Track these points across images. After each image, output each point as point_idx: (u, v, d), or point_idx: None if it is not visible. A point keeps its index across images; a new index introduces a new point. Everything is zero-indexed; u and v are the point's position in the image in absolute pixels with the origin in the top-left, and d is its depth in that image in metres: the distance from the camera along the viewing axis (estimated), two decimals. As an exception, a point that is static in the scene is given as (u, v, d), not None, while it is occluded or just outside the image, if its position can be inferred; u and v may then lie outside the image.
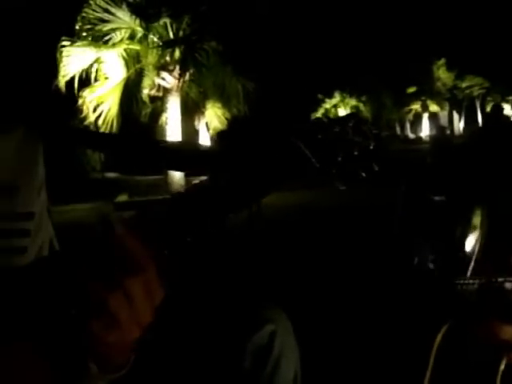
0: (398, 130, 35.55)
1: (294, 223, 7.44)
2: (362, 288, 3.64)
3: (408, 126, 37.53)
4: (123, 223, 0.62)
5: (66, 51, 12.53)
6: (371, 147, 0.72)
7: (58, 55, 12.60)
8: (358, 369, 2.46)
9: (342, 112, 30.66)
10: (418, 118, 36.20)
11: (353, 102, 30.99)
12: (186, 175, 14.38)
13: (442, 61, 32.26)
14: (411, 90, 33.41)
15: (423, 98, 34.26)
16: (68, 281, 0.59)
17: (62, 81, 12.60)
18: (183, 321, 1.11)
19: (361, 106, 30.99)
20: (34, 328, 0.63)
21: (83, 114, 13.00)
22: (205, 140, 18.30)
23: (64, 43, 12.60)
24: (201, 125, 18.56)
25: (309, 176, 0.70)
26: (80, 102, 12.98)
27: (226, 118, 17.95)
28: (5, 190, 0.82)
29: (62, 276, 0.59)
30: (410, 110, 35.23)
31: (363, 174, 0.73)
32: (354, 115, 0.74)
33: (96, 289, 0.57)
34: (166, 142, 13.01)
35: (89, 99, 12.91)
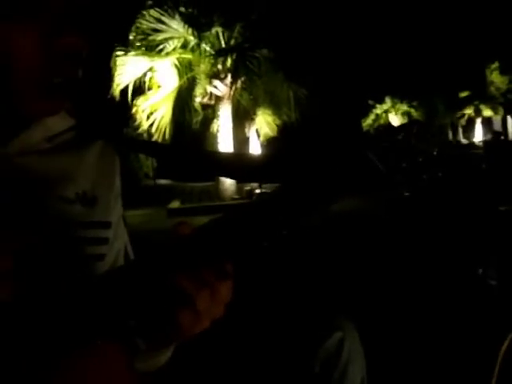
0: (450, 135, 34.88)
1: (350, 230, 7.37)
2: (426, 295, 3.60)
3: (460, 131, 36.78)
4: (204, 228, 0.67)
5: (120, 61, 12.85)
6: (435, 153, 0.76)
7: (112, 65, 12.95)
8: (423, 376, 2.44)
9: (393, 117, 30.27)
10: (470, 123, 35.43)
11: (404, 107, 30.55)
12: (238, 182, 14.51)
13: (496, 64, 31.46)
14: (464, 94, 32.74)
15: (476, 103, 33.49)
16: (153, 279, 0.64)
17: (116, 90, 12.92)
18: (256, 324, 1.14)
19: (412, 111, 30.50)
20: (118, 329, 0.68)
21: (137, 122, 13.29)
22: (255, 147, 18.39)
23: (118, 53, 12.93)
24: (251, 132, 18.67)
25: (375, 182, 0.73)
26: (134, 110, 13.28)
27: (277, 125, 18.00)
28: (85, 200, 0.85)
29: (145, 276, 0.64)
30: (463, 114, 34.49)
31: (428, 181, 0.74)
32: (417, 122, 0.74)
33: (186, 286, 0.63)
34: (217, 152, 13.21)
35: (142, 107, 13.19)
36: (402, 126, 0.75)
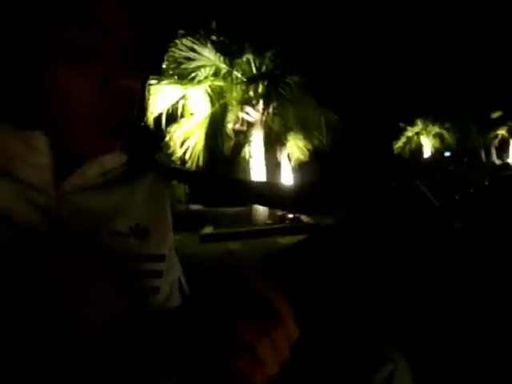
0: (483, 156, 34.44)
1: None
2: (483, 332, 3.52)
3: (494, 151, 36.30)
4: (259, 273, 0.66)
5: (153, 89, 13.05)
6: (486, 183, 0.74)
7: (146, 93, 13.14)
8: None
9: (425, 140, 30.03)
10: (504, 144, 34.96)
11: (436, 129, 30.29)
12: (269, 208, 14.49)
13: (529, 84, 31.14)
14: (496, 114, 32.38)
15: (510, 123, 33.09)
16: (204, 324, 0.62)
17: (150, 117, 13.11)
18: (308, 357, 1.14)
19: (444, 133, 30.21)
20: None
21: (171, 149, 13.44)
22: (286, 171, 18.40)
23: (152, 82, 13.13)
24: (282, 156, 18.70)
25: (428, 215, 0.72)
26: (168, 137, 13.44)
27: (308, 150, 18.01)
28: (138, 233, 0.87)
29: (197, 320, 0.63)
30: (496, 135, 34.08)
31: (481, 212, 0.73)
32: (468, 151, 0.73)
33: (245, 333, 0.61)
34: (249, 181, 13.23)
35: (176, 134, 13.35)
36: (452, 156, 0.74)
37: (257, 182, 13.06)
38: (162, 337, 0.69)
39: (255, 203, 12.42)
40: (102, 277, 0.76)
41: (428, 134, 30.13)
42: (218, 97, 13.62)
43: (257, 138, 14.19)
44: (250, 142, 14.48)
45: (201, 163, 13.53)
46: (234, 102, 13.45)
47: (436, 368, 2.81)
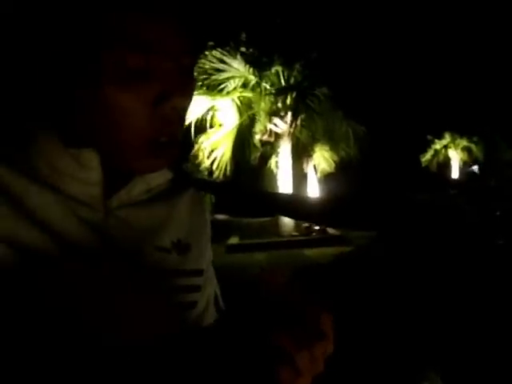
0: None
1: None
2: None
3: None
4: (300, 287, 0.69)
5: (183, 100, 13.07)
6: None
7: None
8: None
9: (453, 153, 29.66)
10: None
11: (464, 142, 29.89)
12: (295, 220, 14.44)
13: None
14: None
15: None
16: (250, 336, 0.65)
17: (179, 128, 13.12)
18: (345, 370, 1.16)
19: (472, 146, 29.80)
20: None
21: (199, 160, 13.50)
22: (313, 182, 18.35)
23: (181, 93, 13.17)
24: (309, 168, 18.66)
25: (469, 233, 0.72)
26: (196, 148, 13.51)
27: (334, 161, 17.96)
28: (180, 248, 0.88)
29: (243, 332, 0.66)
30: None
31: None
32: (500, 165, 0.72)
33: (286, 345, 0.64)
34: (277, 193, 13.16)
35: (204, 145, 13.41)
36: (494, 172, 0.75)
37: (284, 194, 13.05)
38: (203, 351, 0.71)
39: (282, 215, 12.38)
40: (148, 292, 0.79)
41: (456, 147, 29.76)
42: (246, 108, 13.64)
43: (284, 149, 14.20)
44: (277, 153, 14.49)
45: (228, 173, 13.55)
46: (262, 113, 13.45)
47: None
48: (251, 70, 13.46)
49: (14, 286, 0.68)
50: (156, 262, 0.83)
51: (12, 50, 0.78)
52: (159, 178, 0.89)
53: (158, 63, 0.71)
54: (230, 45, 13.35)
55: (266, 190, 14.88)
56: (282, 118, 13.85)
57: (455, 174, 29.02)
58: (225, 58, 13.28)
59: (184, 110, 0.77)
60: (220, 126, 13.65)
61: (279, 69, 13.63)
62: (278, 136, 14.09)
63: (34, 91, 0.77)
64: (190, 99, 0.79)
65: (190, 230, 0.92)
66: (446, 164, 29.62)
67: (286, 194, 13.40)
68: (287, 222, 14.04)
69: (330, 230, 13.89)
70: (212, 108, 13.41)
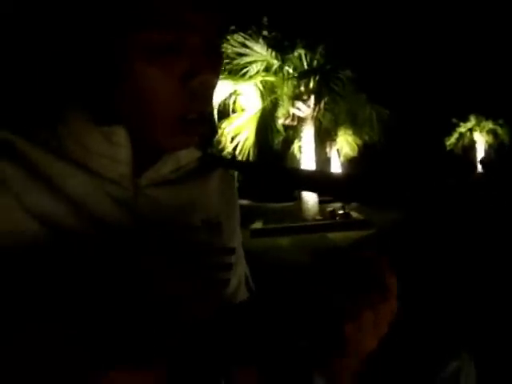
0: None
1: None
2: None
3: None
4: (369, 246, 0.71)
5: (205, 85, 13.06)
6: None
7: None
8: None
9: (478, 136, 29.27)
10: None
11: (489, 125, 29.46)
12: (320, 202, 14.42)
13: None
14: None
15: None
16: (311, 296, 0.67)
17: (202, 113, 13.13)
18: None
19: (498, 129, 29.36)
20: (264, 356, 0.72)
21: (221, 145, 13.53)
22: (336, 166, 18.31)
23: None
24: (332, 152, 18.60)
25: (499, 215, 0.73)
26: (219, 133, 13.52)
27: (357, 145, 17.87)
28: (211, 226, 0.88)
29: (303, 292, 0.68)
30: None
31: None
32: None
33: (352, 307, 0.66)
34: (300, 169, 13.16)
35: (227, 130, 13.42)
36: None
37: (308, 170, 12.99)
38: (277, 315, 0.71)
39: (306, 190, 12.33)
40: (194, 274, 0.79)
41: (481, 129, 29.33)
42: (268, 92, 13.60)
43: (307, 133, 14.14)
44: (300, 137, 14.44)
45: (251, 158, 13.55)
46: (285, 98, 13.39)
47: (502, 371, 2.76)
48: (273, 53, 13.39)
49: (46, 263, 0.68)
50: (186, 241, 0.84)
51: (40, 29, 0.78)
52: (188, 156, 0.90)
53: (186, 38, 0.71)
54: (251, 29, 13.28)
55: (290, 166, 14.80)
56: (304, 101, 13.78)
57: (480, 156, 28.62)
58: (247, 42, 13.23)
59: (212, 86, 0.77)
60: (243, 110, 13.64)
61: (302, 52, 13.53)
62: (300, 120, 14.02)
63: (63, 71, 0.77)
64: (218, 76, 0.79)
65: (219, 209, 0.92)
66: (471, 147, 29.24)
67: (312, 170, 13.34)
68: (310, 206, 14.03)
69: (354, 214, 13.85)
70: (234, 93, 13.40)
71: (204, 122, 0.78)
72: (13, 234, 0.69)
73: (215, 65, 0.76)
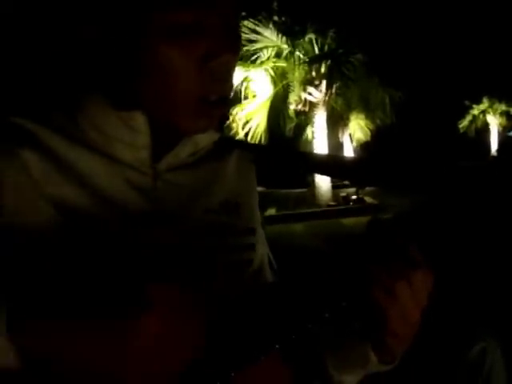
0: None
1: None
2: None
3: None
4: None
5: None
6: None
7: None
8: None
9: (491, 118, 29.00)
10: None
11: (502, 107, 29.14)
12: (333, 188, 14.40)
13: None
14: None
15: None
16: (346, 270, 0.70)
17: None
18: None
19: (511, 111, 29.06)
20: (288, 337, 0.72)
21: (233, 131, 13.52)
22: (348, 151, 18.26)
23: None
24: (344, 137, 18.54)
25: None
26: (230, 119, 13.50)
27: (370, 129, 17.79)
28: (230, 207, 0.88)
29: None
30: None
31: None
32: None
33: (383, 273, 0.68)
34: (313, 153, 13.14)
35: (238, 117, 13.40)
36: None
37: (322, 154, 12.95)
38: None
39: (320, 173, 12.33)
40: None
41: (494, 112, 29.03)
42: (280, 78, 13.55)
43: (319, 118, 14.08)
44: (312, 122, 14.39)
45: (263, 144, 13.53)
46: (297, 83, 13.34)
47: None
48: (284, 39, 13.32)
49: (65, 249, 0.69)
50: (206, 224, 0.84)
51: (59, 14, 0.78)
52: (206, 139, 0.89)
53: (206, 19, 0.71)
54: (261, 14, 13.21)
55: (303, 151, 14.77)
56: (316, 86, 13.71)
57: (494, 139, 28.39)
58: (257, 28, 13.16)
59: (232, 67, 0.77)
60: (254, 96, 13.61)
61: (312, 37, 13.45)
62: (312, 105, 13.96)
63: (82, 56, 0.77)
64: (238, 57, 0.78)
65: (238, 190, 0.93)
66: (484, 129, 28.98)
67: (324, 154, 13.31)
68: (324, 191, 14.02)
69: (368, 199, 13.82)
70: (245, 79, 13.36)
71: (225, 104, 0.78)
72: (33, 221, 0.69)
73: (234, 46, 0.76)
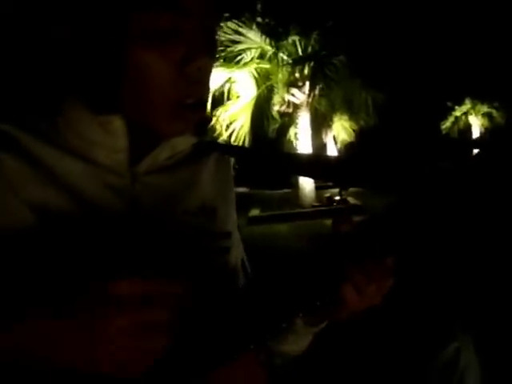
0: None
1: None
2: None
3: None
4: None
5: (199, 73, 12.99)
6: None
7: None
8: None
9: (474, 120, 29.19)
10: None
11: (484, 108, 29.35)
12: (317, 188, 14.41)
13: None
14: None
15: None
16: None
17: (196, 101, 13.07)
18: (374, 326, 1.20)
19: (493, 112, 29.25)
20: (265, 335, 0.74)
21: (217, 133, 13.47)
22: (332, 152, 18.30)
23: (198, 65, 13.08)
24: (328, 138, 18.58)
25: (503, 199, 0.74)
26: (214, 120, 13.44)
27: (354, 130, 17.83)
28: (207, 211, 0.90)
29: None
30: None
31: None
32: None
33: (355, 275, 0.74)
34: (296, 153, 13.14)
35: (222, 118, 13.35)
36: None
37: (304, 154, 12.94)
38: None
39: (302, 175, 12.33)
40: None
41: (477, 113, 29.22)
42: (263, 79, 13.51)
43: (303, 119, 14.09)
44: (295, 123, 14.39)
45: (246, 145, 13.50)
46: (280, 84, 13.32)
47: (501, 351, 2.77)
48: (268, 40, 13.29)
49: (44, 251, 0.70)
50: (183, 226, 0.85)
51: (37, 21, 0.78)
52: (184, 143, 0.91)
53: (184, 23, 0.72)
54: (245, 16, 13.18)
55: (287, 152, 14.79)
56: (299, 88, 13.72)
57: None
58: (240, 30, 13.12)
59: (209, 71, 0.79)
60: (238, 98, 13.57)
61: (296, 38, 13.44)
62: (296, 107, 13.97)
63: (62, 61, 0.78)
64: (214, 61, 0.81)
65: (215, 194, 0.94)
66: (466, 131, 29.17)
67: (309, 154, 13.32)
68: (307, 192, 14.02)
69: (351, 200, 13.85)
70: (229, 80, 13.31)
71: (202, 108, 0.80)
72: (10, 226, 0.70)
73: (211, 50, 0.78)
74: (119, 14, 0.70)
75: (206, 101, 0.82)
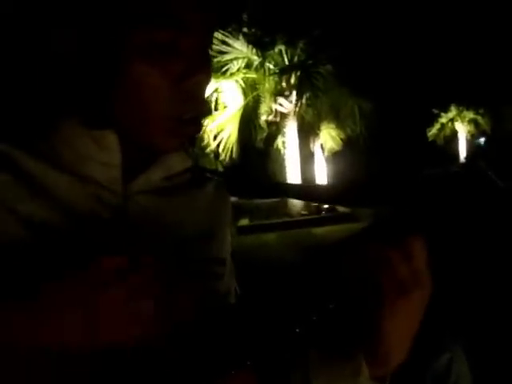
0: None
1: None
2: None
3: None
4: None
5: (186, 83, 13.03)
6: None
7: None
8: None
9: (459, 126, 29.44)
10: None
11: (470, 115, 29.60)
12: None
13: None
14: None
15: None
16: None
17: (183, 112, 13.10)
18: None
19: (479, 118, 29.52)
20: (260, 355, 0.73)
21: (204, 142, 13.48)
22: (320, 161, 18.31)
23: (185, 76, 13.12)
24: (315, 146, 18.60)
25: (491, 198, 0.74)
26: (202, 130, 13.44)
27: (341, 139, 17.89)
28: (203, 237, 0.89)
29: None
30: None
31: None
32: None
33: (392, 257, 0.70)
34: (288, 184, 13.19)
35: (209, 128, 13.38)
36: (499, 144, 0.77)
37: (294, 185, 13.05)
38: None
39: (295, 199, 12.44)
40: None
41: (462, 119, 29.47)
42: (250, 89, 13.58)
43: (290, 128, 14.15)
44: (283, 133, 14.45)
45: (234, 155, 13.55)
46: (267, 94, 13.40)
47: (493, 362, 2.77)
48: (254, 50, 13.37)
49: (34, 266, 0.69)
50: (176, 250, 0.84)
51: (33, 31, 0.78)
52: (179, 165, 0.90)
53: (183, 39, 0.72)
54: (231, 26, 13.24)
55: (277, 182, 14.89)
56: (286, 97, 13.78)
57: (462, 147, 28.83)
58: (227, 40, 13.18)
59: (205, 88, 0.79)
60: (225, 108, 13.61)
61: (282, 48, 13.52)
62: (283, 116, 14.03)
63: (56, 75, 0.77)
64: (210, 78, 0.79)
65: (212, 221, 0.93)
66: (453, 137, 29.42)
67: (298, 184, 13.42)
68: (296, 202, 14.05)
69: (340, 208, 13.90)
70: (216, 90, 13.36)
71: (197, 123, 0.80)
72: (4, 243, 0.69)
73: (207, 66, 0.78)
74: (119, 28, 0.70)
75: (202, 117, 0.81)
